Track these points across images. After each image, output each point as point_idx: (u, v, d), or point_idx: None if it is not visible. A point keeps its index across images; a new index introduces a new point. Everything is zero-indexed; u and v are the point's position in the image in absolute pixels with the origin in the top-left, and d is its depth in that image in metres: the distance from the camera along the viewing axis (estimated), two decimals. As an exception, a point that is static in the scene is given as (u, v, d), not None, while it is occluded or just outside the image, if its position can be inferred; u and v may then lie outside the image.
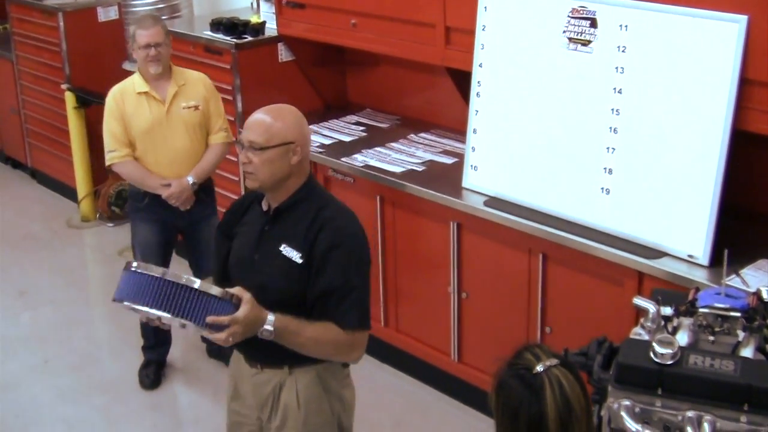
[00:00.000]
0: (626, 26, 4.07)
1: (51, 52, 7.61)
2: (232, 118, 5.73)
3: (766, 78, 3.71)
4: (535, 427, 2.20)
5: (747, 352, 2.69)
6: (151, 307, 2.98)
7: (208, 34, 6.11)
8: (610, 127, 4.16)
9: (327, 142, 5.64)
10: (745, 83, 3.74)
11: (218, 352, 5.30)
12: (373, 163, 5.26)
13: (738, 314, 2.76)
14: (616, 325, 3.83)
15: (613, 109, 4.15)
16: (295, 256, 3.18)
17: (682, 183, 3.94)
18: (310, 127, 5.77)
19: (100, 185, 7.57)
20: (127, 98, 5.07)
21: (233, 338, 3.00)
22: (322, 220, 3.19)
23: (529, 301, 4.56)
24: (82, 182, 7.56)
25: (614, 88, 4.13)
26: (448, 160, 5.22)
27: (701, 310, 2.80)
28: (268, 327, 3.03)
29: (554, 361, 2.24)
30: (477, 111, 4.73)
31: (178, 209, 5.10)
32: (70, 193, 7.91)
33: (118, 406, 5.31)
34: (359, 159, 5.32)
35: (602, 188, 4.21)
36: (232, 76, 5.89)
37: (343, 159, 5.34)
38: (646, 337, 2.82)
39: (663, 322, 2.86)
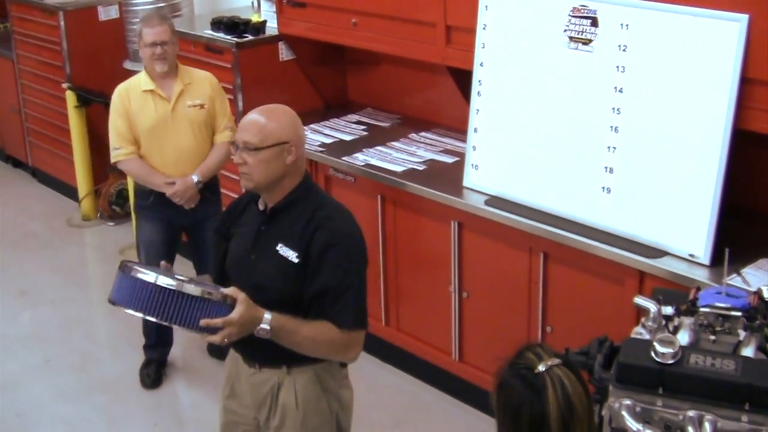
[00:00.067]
0: (627, 25, 4.07)
1: (52, 51, 7.61)
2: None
3: (766, 77, 3.71)
4: (537, 427, 2.20)
5: (748, 351, 2.69)
6: (143, 314, 2.99)
7: (208, 33, 6.11)
8: (611, 126, 4.16)
9: (328, 141, 5.64)
10: (745, 82, 3.74)
11: (219, 351, 5.30)
12: (374, 162, 5.26)
13: (739, 313, 2.76)
14: (617, 325, 3.84)
15: (613, 108, 4.15)
16: (292, 255, 3.18)
17: (683, 182, 3.93)
18: (311, 126, 5.84)
19: (101, 184, 7.58)
20: (132, 96, 5.08)
21: (228, 339, 3.01)
22: (318, 219, 3.19)
23: (530, 301, 4.56)
24: (82, 181, 7.56)
25: (615, 87, 4.13)
26: (449, 159, 5.22)
27: (702, 309, 2.80)
28: (265, 326, 3.04)
29: (556, 361, 2.24)
30: (478, 110, 4.73)
31: (183, 208, 5.10)
32: (70, 192, 7.91)
33: (119, 406, 5.31)
34: (360, 158, 5.32)
35: (603, 187, 4.21)
36: (232, 75, 5.88)
37: (343, 158, 5.34)
38: (647, 337, 2.81)
39: (664, 322, 2.86)
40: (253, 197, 3.37)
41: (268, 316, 3.04)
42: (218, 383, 4.93)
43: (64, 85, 7.39)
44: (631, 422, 2.56)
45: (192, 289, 2.96)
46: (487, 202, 4.63)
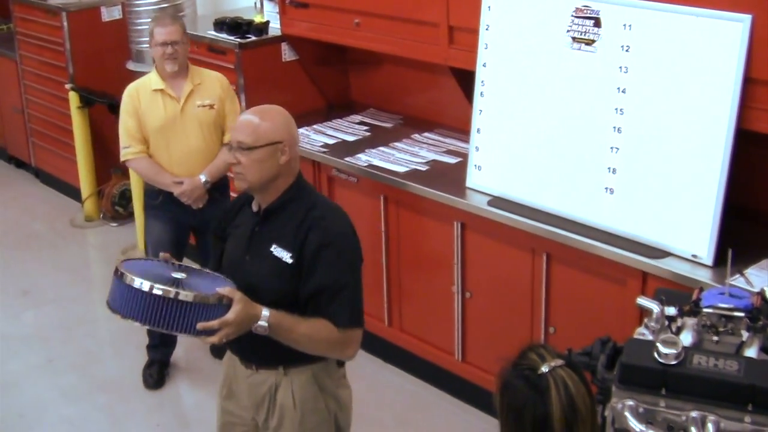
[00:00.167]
0: (630, 26, 4.07)
1: (55, 52, 7.62)
2: (235, 118, 5.74)
3: (770, 77, 3.71)
4: (540, 428, 2.20)
5: (751, 352, 2.68)
6: (141, 323, 3.00)
7: (211, 33, 6.11)
8: (614, 127, 4.16)
9: (330, 141, 5.64)
10: (748, 83, 3.74)
11: (221, 352, 5.30)
12: (376, 162, 5.26)
13: (742, 314, 2.76)
14: (619, 325, 3.84)
15: (616, 109, 4.14)
16: (286, 256, 3.20)
17: (685, 183, 3.93)
18: (314, 126, 5.85)
19: (104, 185, 7.58)
20: (142, 95, 5.10)
21: (227, 338, 3.03)
22: (312, 219, 3.21)
23: (533, 301, 4.55)
24: (85, 182, 7.56)
25: (618, 88, 4.13)
26: (452, 160, 5.22)
27: (705, 310, 2.79)
28: (263, 323, 3.06)
29: (559, 362, 2.24)
30: (481, 110, 4.73)
31: (192, 208, 5.11)
32: (73, 192, 7.91)
33: (121, 406, 5.31)
34: (363, 159, 5.32)
35: (606, 188, 4.21)
36: (235, 75, 5.89)
37: (346, 159, 5.34)
38: (650, 337, 2.81)
39: (667, 322, 2.85)
40: (247, 199, 3.40)
41: (266, 312, 3.07)
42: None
43: (67, 86, 7.39)
44: (634, 423, 2.56)
45: (187, 296, 2.97)
46: (489, 203, 4.63)
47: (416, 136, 5.63)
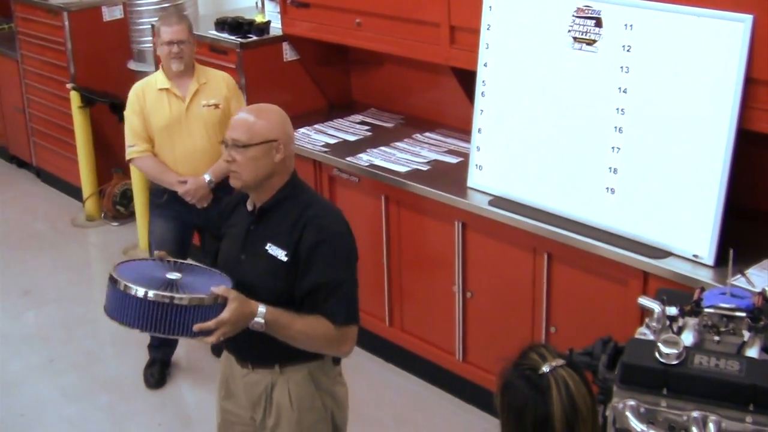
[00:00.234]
0: (631, 26, 4.07)
1: (56, 52, 7.62)
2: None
3: (771, 77, 3.71)
4: (541, 428, 2.20)
5: (752, 352, 2.68)
6: (139, 329, 3.02)
7: (212, 33, 6.11)
8: (615, 127, 4.16)
9: (332, 141, 5.64)
10: (750, 83, 3.74)
11: (222, 350, 5.31)
12: (377, 162, 5.26)
13: (743, 314, 2.76)
14: (621, 325, 3.84)
15: (618, 109, 4.14)
16: (281, 254, 3.22)
17: (687, 182, 3.93)
18: (315, 126, 5.85)
19: (105, 184, 7.58)
20: (148, 94, 5.12)
21: (224, 337, 3.06)
22: (307, 217, 3.23)
23: (534, 301, 4.55)
24: (86, 181, 7.56)
25: (619, 88, 4.13)
26: (453, 160, 5.22)
27: (706, 310, 2.79)
28: (259, 319, 3.08)
29: (560, 362, 2.24)
30: (482, 110, 4.73)
31: (196, 207, 5.11)
32: (74, 192, 7.91)
33: (122, 405, 5.31)
34: (364, 158, 5.32)
35: (607, 188, 4.21)
36: (237, 75, 5.88)
37: (347, 158, 5.34)
38: (651, 337, 2.81)
39: (668, 322, 2.85)
40: (242, 198, 3.41)
41: (262, 309, 3.09)
42: (222, 383, 4.90)
43: (69, 86, 7.40)
44: (635, 423, 2.56)
45: (182, 299, 2.98)
46: (491, 203, 4.63)
47: (417, 135, 5.63)
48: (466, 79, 4.97)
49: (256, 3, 6.46)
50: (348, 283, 3.24)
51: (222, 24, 6.10)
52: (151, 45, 6.60)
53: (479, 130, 4.75)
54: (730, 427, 2.50)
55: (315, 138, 5.67)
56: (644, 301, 2.96)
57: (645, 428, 2.55)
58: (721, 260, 3.81)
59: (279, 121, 3.27)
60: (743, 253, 3.48)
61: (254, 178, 3.22)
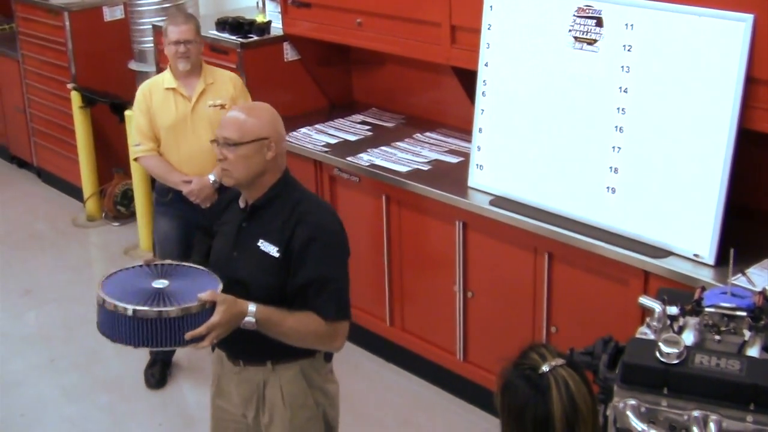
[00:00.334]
0: (632, 25, 4.07)
1: (57, 52, 7.62)
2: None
3: (772, 77, 3.71)
4: (542, 428, 2.20)
5: (753, 351, 2.68)
6: (132, 346, 3.04)
7: (213, 33, 6.11)
8: (616, 126, 4.16)
9: (332, 141, 5.64)
10: (751, 82, 3.74)
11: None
12: (378, 162, 5.26)
13: (744, 313, 2.76)
14: (621, 325, 3.83)
15: (618, 108, 4.14)
16: (273, 250, 3.23)
17: (687, 182, 3.93)
18: (316, 126, 5.85)
19: (106, 184, 7.58)
20: (155, 93, 5.12)
21: (217, 339, 3.07)
22: (299, 214, 3.25)
23: (535, 301, 4.55)
24: (87, 181, 7.57)
25: (620, 88, 4.13)
26: (454, 160, 5.22)
27: (707, 309, 2.79)
28: (250, 318, 3.10)
29: (560, 361, 2.24)
30: (482, 110, 4.73)
31: (200, 207, 5.12)
32: (75, 192, 7.91)
33: (123, 405, 5.31)
34: (365, 158, 5.32)
35: (608, 187, 4.21)
36: (237, 75, 5.88)
37: (348, 158, 5.34)
38: (652, 337, 2.81)
39: (669, 322, 2.85)
40: (235, 195, 3.43)
41: (252, 308, 3.10)
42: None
43: (69, 86, 7.40)
44: (635, 422, 2.56)
45: (171, 312, 2.99)
46: (491, 202, 4.63)
47: (418, 135, 5.63)
48: (467, 79, 4.97)
49: (257, 3, 6.46)
50: (339, 279, 3.27)
51: (223, 24, 6.10)
52: (152, 45, 6.61)
53: (480, 130, 4.75)
54: (731, 427, 2.50)
55: (316, 138, 5.67)
56: (645, 300, 2.97)
57: (646, 428, 2.55)
58: (721, 260, 3.81)
59: (270, 119, 3.30)
60: (744, 252, 3.48)
61: (246, 175, 3.24)
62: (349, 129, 5.84)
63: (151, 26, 6.63)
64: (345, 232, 3.35)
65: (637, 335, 2.86)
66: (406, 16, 5.16)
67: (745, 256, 3.68)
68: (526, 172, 4.54)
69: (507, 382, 2.27)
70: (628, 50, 4.09)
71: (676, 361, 2.57)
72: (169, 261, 3.37)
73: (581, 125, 4.30)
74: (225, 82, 5.19)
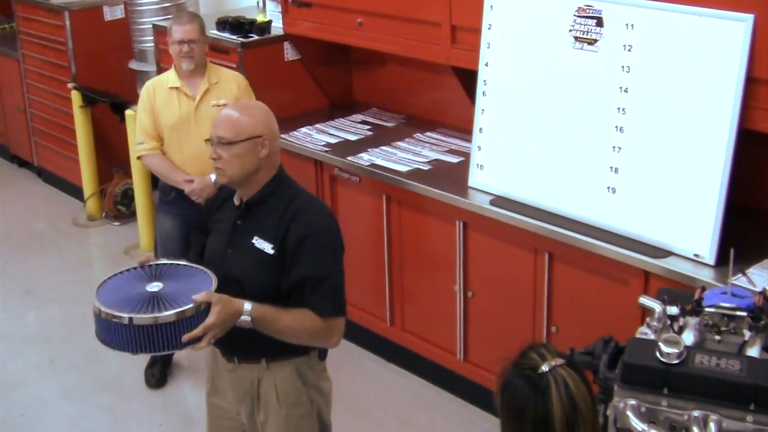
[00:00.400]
0: (632, 25, 4.07)
1: (57, 51, 7.62)
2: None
3: (772, 77, 3.71)
4: (541, 427, 2.20)
5: (753, 351, 2.68)
6: (131, 353, 3.07)
7: (214, 33, 6.10)
8: (616, 126, 4.16)
9: (333, 141, 5.64)
10: (751, 82, 3.74)
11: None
12: (379, 162, 5.26)
13: (744, 313, 2.75)
14: (622, 325, 3.83)
15: (619, 108, 4.14)
16: (267, 247, 3.25)
17: (688, 182, 3.93)
18: (316, 125, 5.85)
19: (107, 184, 7.59)
20: (159, 92, 5.13)
21: (214, 339, 3.08)
22: (293, 211, 3.26)
23: (535, 300, 4.55)
24: (88, 181, 7.57)
25: (620, 87, 4.13)
26: (454, 159, 5.22)
27: (707, 309, 2.79)
28: (246, 317, 3.11)
29: (560, 361, 2.24)
30: (483, 110, 4.73)
31: (202, 206, 5.13)
32: (76, 191, 7.91)
33: (123, 405, 5.31)
34: (365, 158, 5.32)
35: (608, 187, 4.21)
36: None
37: (349, 158, 5.34)
38: (652, 337, 2.81)
39: (669, 322, 2.85)
40: (230, 193, 3.44)
41: (248, 306, 3.11)
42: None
43: (70, 85, 7.40)
44: (636, 422, 2.56)
45: (167, 317, 3.00)
46: (492, 202, 4.63)
47: (419, 135, 5.63)
48: (468, 79, 4.97)
49: (258, 2, 6.45)
50: (334, 275, 3.28)
51: (223, 23, 6.10)
52: (153, 45, 6.61)
53: (480, 130, 4.75)
54: (731, 427, 2.50)
55: (316, 137, 5.67)
56: (645, 300, 2.96)
57: (646, 428, 2.54)
58: (722, 260, 3.81)
59: (263, 117, 3.31)
60: (744, 252, 3.48)
61: (240, 174, 3.26)
62: (349, 129, 5.84)
63: (151, 26, 6.62)
64: (339, 229, 3.37)
65: (638, 335, 2.86)
66: (406, 16, 5.16)
67: (746, 256, 3.68)
68: (527, 171, 4.54)
69: (507, 382, 2.27)
70: (629, 50, 4.09)
71: (676, 361, 2.56)
72: (163, 261, 3.38)
73: (581, 125, 4.30)
74: (229, 81, 5.19)
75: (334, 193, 5.50)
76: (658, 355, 2.58)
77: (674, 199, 3.99)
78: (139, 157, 5.30)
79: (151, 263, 3.30)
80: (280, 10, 6.01)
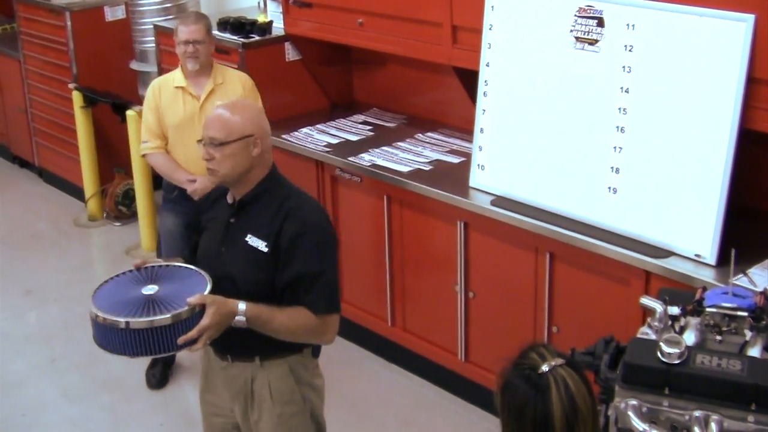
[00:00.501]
0: (633, 25, 4.07)
1: (58, 52, 7.63)
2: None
3: (773, 77, 3.71)
4: (541, 427, 2.20)
5: (754, 351, 2.68)
6: (129, 356, 3.08)
7: (215, 33, 6.10)
8: (617, 127, 4.16)
9: (334, 141, 5.64)
10: (752, 82, 3.74)
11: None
12: (380, 162, 5.26)
13: (745, 314, 2.75)
14: (623, 325, 3.83)
15: (620, 109, 4.14)
16: (261, 245, 3.26)
17: (689, 182, 3.93)
18: (317, 126, 5.85)
19: (107, 184, 7.59)
20: (164, 91, 5.14)
21: (209, 340, 3.10)
22: (287, 209, 3.27)
23: (536, 301, 4.55)
24: (89, 181, 7.57)
25: (621, 88, 4.13)
26: (455, 160, 5.22)
27: (708, 309, 2.79)
28: (241, 317, 3.13)
29: (559, 361, 2.24)
30: (484, 110, 4.73)
31: None
32: (77, 192, 7.91)
33: (124, 405, 5.31)
34: (366, 158, 5.32)
35: (609, 187, 4.21)
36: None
37: (350, 158, 5.34)
38: (654, 337, 2.81)
39: (670, 322, 2.85)
40: (223, 191, 3.45)
41: (242, 306, 3.13)
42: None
43: (71, 86, 7.40)
44: (637, 422, 2.56)
45: (163, 320, 3.02)
46: (493, 203, 4.63)
47: (420, 135, 5.63)
48: (469, 79, 4.97)
49: (259, 3, 6.46)
50: (328, 273, 3.29)
51: (224, 24, 6.10)
52: (154, 45, 6.61)
53: (481, 130, 4.75)
54: (732, 427, 2.49)
55: (317, 138, 5.67)
56: (646, 300, 2.96)
57: (647, 428, 2.54)
58: (723, 260, 3.81)
59: (254, 116, 3.32)
60: (745, 252, 3.47)
61: (233, 173, 3.27)
62: (350, 129, 5.84)
63: (152, 26, 6.63)
64: (333, 226, 3.40)
65: (639, 335, 2.86)
66: (407, 16, 5.16)
67: (747, 256, 3.67)
68: (528, 172, 4.54)
69: (507, 382, 2.27)
70: (630, 50, 4.09)
71: (677, 361, 2.56)
72: (158, 262, 3.38)
73: (582, 125, 4.30)
74: (234, 82, 5.20)
75: (335, 194, 5.50)
76: (659, 355, 2.58)
77: (675, 199, 3.98)
78: (143, 156, 5.32)
79: (147, 265, 3.31)
80: (281, 10, 6.00)
